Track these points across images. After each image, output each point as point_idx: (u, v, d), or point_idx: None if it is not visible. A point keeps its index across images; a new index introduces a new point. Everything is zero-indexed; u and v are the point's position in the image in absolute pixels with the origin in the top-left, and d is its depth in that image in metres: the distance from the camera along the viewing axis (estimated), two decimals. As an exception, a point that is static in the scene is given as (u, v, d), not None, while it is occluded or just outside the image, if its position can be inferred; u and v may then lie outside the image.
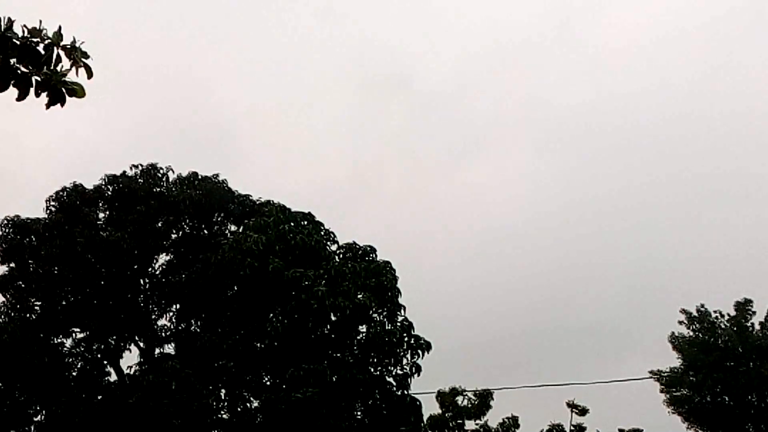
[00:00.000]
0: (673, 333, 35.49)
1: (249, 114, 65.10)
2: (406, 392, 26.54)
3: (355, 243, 28.45)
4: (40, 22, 4.82)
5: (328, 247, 28.22)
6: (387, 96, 66.81)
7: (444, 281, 54.96)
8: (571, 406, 33.66)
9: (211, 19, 64.99)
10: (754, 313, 34.80)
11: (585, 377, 43.80)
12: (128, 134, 57.93)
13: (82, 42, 4.88)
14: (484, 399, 32.55)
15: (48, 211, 29.30)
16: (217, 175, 30.35)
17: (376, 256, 28.17)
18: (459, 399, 32.69)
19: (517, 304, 53.51)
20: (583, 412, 33.83)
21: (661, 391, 35.22)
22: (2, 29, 4.77)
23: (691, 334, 35.14)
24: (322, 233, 28.33)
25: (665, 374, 35.10)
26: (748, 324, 34.66)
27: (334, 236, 28.62)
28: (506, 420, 32.50)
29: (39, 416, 27.86)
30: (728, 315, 35.06)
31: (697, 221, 57.09)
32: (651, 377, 35.13)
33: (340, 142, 66.52)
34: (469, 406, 32.46)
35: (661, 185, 60.54)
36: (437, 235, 60.49)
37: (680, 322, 35.45)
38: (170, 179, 30.37)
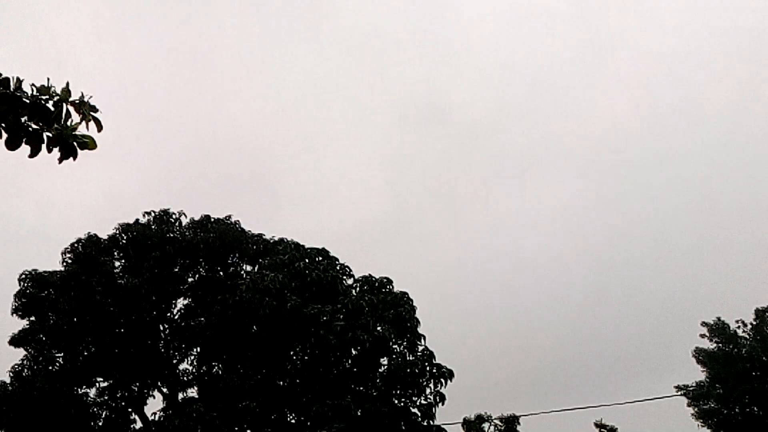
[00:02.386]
0: (696, 347, 35.25)
1: (284, 153, 65.46)
2: (431, 422, 26.38)
3: (371, 275, 28.46)
4: (48, 79, 4.96)
5: (344, 282, 28.26)
6: (425, 128, 67.10)
7: (476, 310, 54.89)
8: (600, 426, 33.34)
9: (242, 57, 65.12)
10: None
11: (613, 399, 43.44)
12: (163, 185, 58.25)
13: (90, 96, 5.01)
14: (510, 424, 32.30)
15: (64, 264, 29.50)
16: (230, 216, 30.58)
17: (392, 287, 28.16)
18: (485, 426, 32.45)
19: (542, 332, 53.30)
20: (611, 431, 33.50)
21: (689, 405, 34.91)
22: (12, 89, 4.90)
23: (713, 347, 34.89)
24: (338, 268, 28.39)
25: (691, 389, 34.79)
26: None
27: (350, 270, 28.68)
28: (534, 444, 32.18)
29: (67, 468, 27.83)
30: (750, 324, 34.80)
31: (715, 234, 56.95)
32: (677, 393, 34.83)
33: (379, 177, 66.89)
34: (496, 432, 32.20)
35: (687, 202, 60.46)
36: (471, 264, 60.34)
37: (702, 336, 35.23)
38: (183, 224, 30.57)
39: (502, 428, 32.27)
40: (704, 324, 34.73)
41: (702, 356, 34.39)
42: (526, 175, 64.50)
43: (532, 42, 67.15)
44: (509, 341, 51.71)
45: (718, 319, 34.69)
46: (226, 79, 65.50)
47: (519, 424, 32.33)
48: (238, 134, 63.95)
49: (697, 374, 34.91)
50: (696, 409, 34.25)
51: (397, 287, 28.25)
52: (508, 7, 66.41)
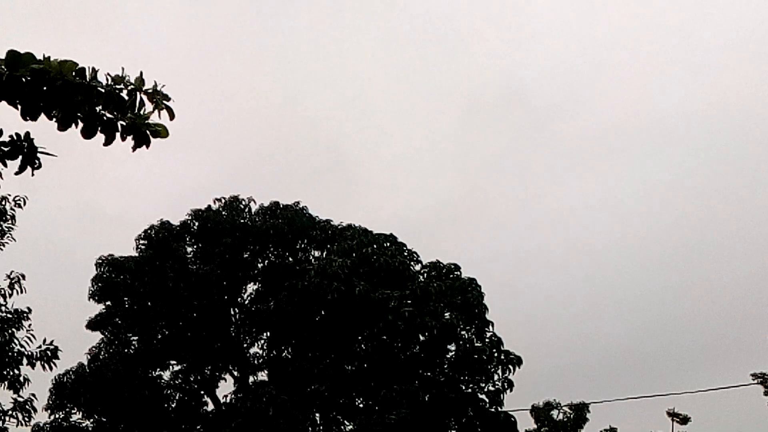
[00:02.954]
0: (774, 334, 34.30)
1: (354, 141, 65.47)
2: (499, 408, 26.32)
3: (438, 261, 28.45)
4: (123, 69, 5.05)
5: (412, 268, 28.30)
6: (498, 113, 66.29)
7: (548, 298, 54.37)
8: (672, 414, 32.79)
9: (314, 45, 65.13)
10: None
11: (686, 387, 42.65)
12: (234, 171, 58.73)
13: (163, 85, 5.09)
14: (580, 412, 32.00)
15: (138, 249, 30.17)
16: (298, 202, 30.84)
17: (460, 273, 28.11)
18: (554, 413, 32.23)
19: (613, 319, 52.54)
20: (684, 420, 32.92)
21: (766, 394, 33.99)
22: (88, 79, 5.01)
23: (793, 334, 33.91)
24: (405, 254, 28.44)
25: (768, 377, 33.87)
26: None
27: (417, 256, 28.72)
28: (604, 432, 31.87)
29: (142, 449, 28.59)
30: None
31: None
32: (753, 382, 33.93)
33: (448, 164, 66.28)
34: (565, 420, 31.95)
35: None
36: (542, 253, 59.54)
37: (781, 323, 34.29)
38: (253, 210, 30.95)
39: (572, 415, 31.99)
40: (782, 311, 33.95)
41: (780, 345, 33.54)
42: (598, 161, 63.28)
43: (603, 23, 65.62)
44: (580, 328, 51.10)
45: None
46: (296, 67, 65.86)
47: (589, 411, 32.01)
48: (308, 122, 64.19)
49: (776, 363, 34.01)
50: (773, 399, 33.39)
51: (466, 274, 28.22)
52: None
